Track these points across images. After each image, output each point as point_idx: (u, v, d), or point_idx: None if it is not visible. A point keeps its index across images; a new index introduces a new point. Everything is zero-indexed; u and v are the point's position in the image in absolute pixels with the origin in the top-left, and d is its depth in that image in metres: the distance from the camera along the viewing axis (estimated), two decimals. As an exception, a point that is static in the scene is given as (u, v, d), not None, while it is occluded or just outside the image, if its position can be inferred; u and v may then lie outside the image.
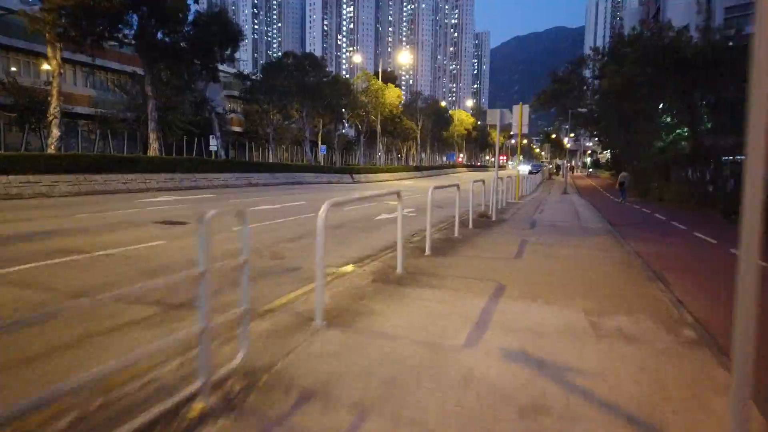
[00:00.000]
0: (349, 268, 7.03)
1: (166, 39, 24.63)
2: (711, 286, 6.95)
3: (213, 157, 35.54)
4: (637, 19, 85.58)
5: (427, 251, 7.94)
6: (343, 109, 44.42)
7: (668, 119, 32.71)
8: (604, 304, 5.27)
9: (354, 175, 38.52)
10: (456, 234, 9.86)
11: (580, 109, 35.92)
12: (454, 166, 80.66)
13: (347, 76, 72.52)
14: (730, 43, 17.62)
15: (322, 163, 52.22)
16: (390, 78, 65.57)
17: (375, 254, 8.30)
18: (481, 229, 11.05)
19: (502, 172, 66.05)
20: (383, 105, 47.12)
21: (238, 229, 3.18)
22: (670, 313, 5.03)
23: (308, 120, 41.83)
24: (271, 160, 44.50)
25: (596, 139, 52.50)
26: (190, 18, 25.45)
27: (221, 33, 24.83)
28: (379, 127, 46.95)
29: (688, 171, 21.79)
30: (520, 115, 20.59)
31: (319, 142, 52.77)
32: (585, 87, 46.37)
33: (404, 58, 46.56)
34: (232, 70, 41.14)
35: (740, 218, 2.26)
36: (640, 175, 31.55)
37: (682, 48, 17.80)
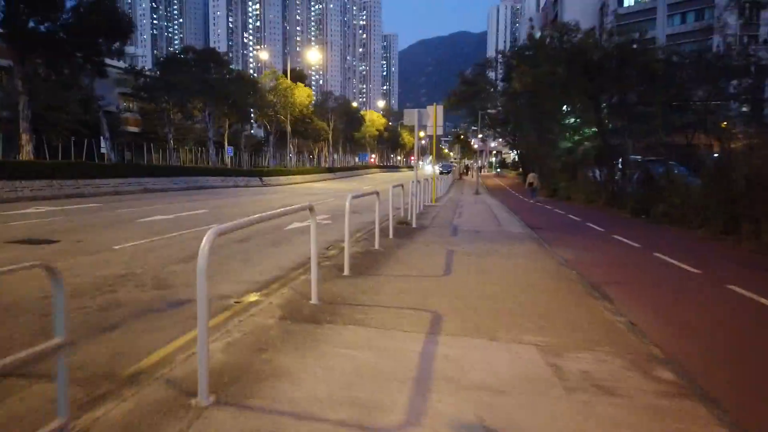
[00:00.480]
0: (253, 297, 5.82)
1: (41, 27, 21.64)
2: (657, 301, 6.46)
3: (105, 160, 32.20)
4: (537, 24, 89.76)
5: (346, 270, 6.88)
6: (251, 109, 41.98)
7: (573, 120, 33.95)
8: (557, 335, 4.48)
9: (263, 178, 36.61)
10: (376, 246, 8.88)
11: (489, 110, 36.50)
12: (366, 167, 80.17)
13: (254, 75, 69.43)
14: (634, 46, 18.24)
15: (229, 166, 49.50)
16: (299, 77, 63.67)
17: (285, 275, 7.14)
18: (402, 239, 10.16)
19: (411, 174, 66.73)
20: (293, 105, 45.28)
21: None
22: (632, 345, 4.32)
23: (212, 120, 39.17)
24: (172, 163, 41.39)
25: (502, 139, 54.08)
26: (71, 4, 22.56)
27: (107, 22, 22.16)
28: (289, 128, 45.06)
29: (594, 171, 22.47)
30: (434, 116, 20.10)
31: (226, 144, 50.01)
32: (492, 89, 47.54)
33: (313, 56, 44.73)
34: (124, 66, 37.56)
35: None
36: (549, 175, 32.42)
37: (588, 50, 18.17)
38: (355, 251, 8.53)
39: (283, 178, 39.70)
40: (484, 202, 24.41)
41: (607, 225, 14.26)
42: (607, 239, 11.73)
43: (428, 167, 55.71)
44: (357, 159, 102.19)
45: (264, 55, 53.52)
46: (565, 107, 33.04)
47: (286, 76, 49.86)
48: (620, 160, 19.59)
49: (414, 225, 12.25)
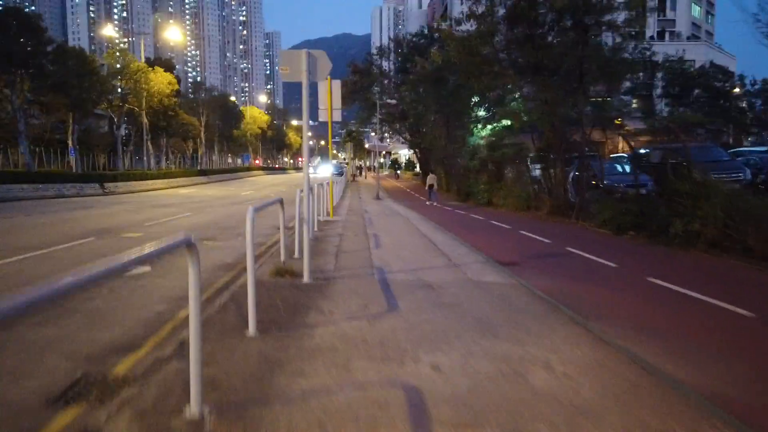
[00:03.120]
0: None
1: None
2: None
3: None
4: (420, 22, 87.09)
5: None
6: (86, 95, 32.39)
7: (487, 111, 29.90)
8: None
9: (107, 184, 28.28)
10: (192, 407, 2.85)
11: (389, 100, 31.36)
12: (248, 169, 71.51)
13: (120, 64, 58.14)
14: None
15: (74, 170, 39.68)
16: (166, 67, 54.49)
17: None
18: (279, 339, 4.20)
19: (298, 176, 60.04)
20: (149, 93, 36.55)
21: None
22: None
23: (20, 107, 29.08)
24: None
25: (399, 136, 49.59)
26: None
27: None
28: (145, 121, 36.26)
29: (532, 171, 18.04)
30: (329, 95, 14.27)
31: (70, 143, 40.19)
32: (387, 80, 42.80)
33: (173, 34, 35.19)
34: None
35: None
36: (460, 176, 28.03)
37: (537, 5, 13.35)
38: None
39: (136, 184, 31.46)
40: (395, 211, 19.02)
41: (601, 251, 9.33)
42: (658, 292, 6.62)
43: (323, 167, 49.08)
44: (240, 161, 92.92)
45: (108, 31, 41.92)
46: (476, 98, 28.90)
47: (146, 62, 40.97)
48: (581, 157, 15.05)
49: (306, 278, 6.27)
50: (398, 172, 69.20)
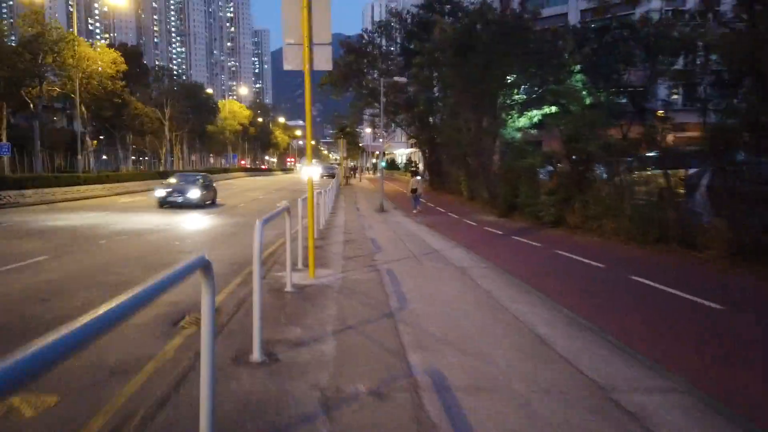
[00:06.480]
0: None
1: None
2: None
3: None
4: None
5: None
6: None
7: (519, 95, 22.37)
8: None
9: (8, 193, 20.29)
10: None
11: (397, 78, 23.68)
12: (226, 171, 62.69)
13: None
14: None
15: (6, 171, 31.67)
16: (131, 54, 46.48)
17: None
18: None
19: (285, 178, 51.16)
20: (84, 73, 28.02)
21: None
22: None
23: None
24: None
25: (393, 135, 41.87)
26: None
27: None
28: (81, 110, 27.95)
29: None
30: (304, 7, 6.52)
31: (4, 138, 32.36)
32: (388, 62, 35.17)
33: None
34: None
35: None
36: (491, 180, 20.49)
37: None
38: None
39: (61, 191, 23.47)
40: (425, 242, 11.21)
41: None
42: None
43: (308, 170, 41.15)
44: (223, 161, 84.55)
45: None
46: (511, 76, 21.34)
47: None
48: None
49: None
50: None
